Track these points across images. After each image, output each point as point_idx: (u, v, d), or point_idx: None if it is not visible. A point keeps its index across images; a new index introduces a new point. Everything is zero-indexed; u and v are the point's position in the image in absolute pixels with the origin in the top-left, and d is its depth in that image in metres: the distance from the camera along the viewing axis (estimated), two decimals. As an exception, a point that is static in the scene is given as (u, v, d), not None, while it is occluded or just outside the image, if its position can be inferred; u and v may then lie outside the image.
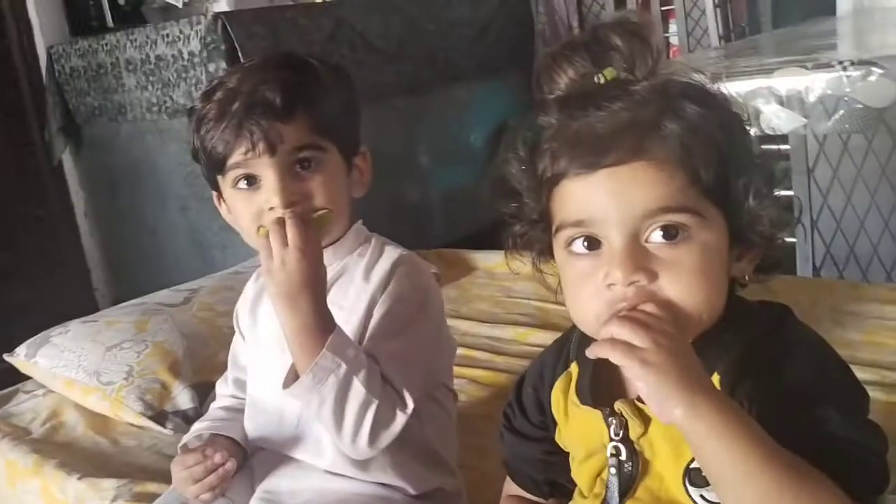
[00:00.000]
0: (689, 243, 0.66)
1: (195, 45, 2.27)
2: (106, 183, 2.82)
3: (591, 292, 0.68)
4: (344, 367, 0.90)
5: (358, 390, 0.90)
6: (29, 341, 1.68)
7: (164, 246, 2.67)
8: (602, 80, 0.70)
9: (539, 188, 0.72)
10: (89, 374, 1.54)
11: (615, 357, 0.62)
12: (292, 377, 0.92)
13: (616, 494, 0.73)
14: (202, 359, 1.55)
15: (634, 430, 0.71)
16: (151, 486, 1.23)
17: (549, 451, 0.83)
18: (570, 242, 0.69)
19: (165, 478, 1.12)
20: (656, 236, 0.66)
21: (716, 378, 0.68)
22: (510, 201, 0.76)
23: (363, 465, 0.97)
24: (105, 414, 1.52)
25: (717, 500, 0.67)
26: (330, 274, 1.01)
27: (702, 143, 0.66)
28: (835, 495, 0.59)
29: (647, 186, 0.65)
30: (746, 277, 0.73)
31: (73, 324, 1.70)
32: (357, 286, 1.01)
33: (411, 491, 1.01)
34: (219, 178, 1.00)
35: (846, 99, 1.85)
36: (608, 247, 0.67)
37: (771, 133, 1.83)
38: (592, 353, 0.64)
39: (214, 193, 1.05)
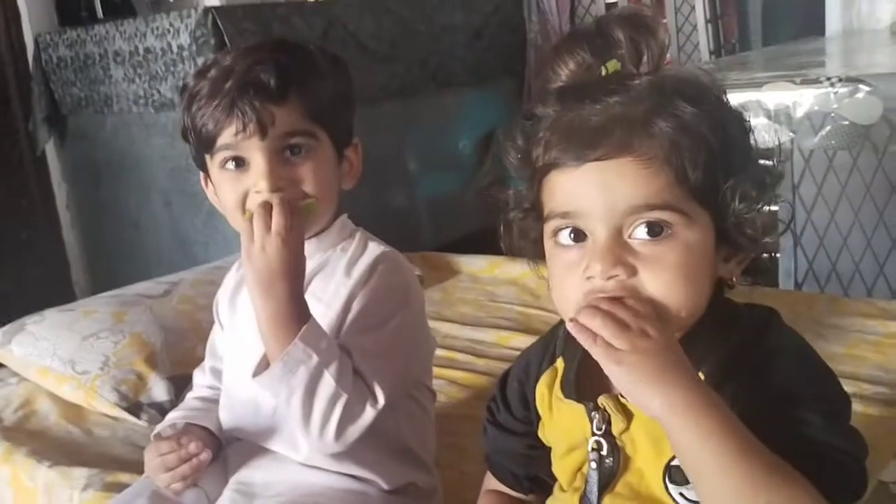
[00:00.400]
0: (672, 241, 0.66)
1: (185, 38, 2.26)
2: (89, 175, 2.79)
3: (573, 283, 0.68)
4: (315, 358, 0.89)
5: (328, 383, 0.89)
6: (3, 329, 1.66)
7: (145, 240, 2.65)
8: (605, 73, 0.70)
9: (532, 177, 0.72)
10: (64, 363, 1.52)
11: (594, 352, 0.64)
12: (263, 366, 0.91)
13: (595, 489, 0.73)
14: (180, 351, 1.53)
15: (617, 425, 0.71)
16: (123, 477, 1.21)
17: (531, 445, 0.83)
18: (556, 233, 0.70)
19: (138, 469, 1.11)
20: (639, 232, 0.66)
21: (700, 376, 0.68)
22: (507, 190, 0.77)
23: (337, 457, 0.96)
24: (79, 403, 1.50)
25: (696, 499, 0.67)
26: (312, 265, 1.00)
27: (691, 142, 0.66)
28: (811, 496, 0.59)
29: (633, 182, 0.65)
30: (734, 279, 0.73)
31: (49, 312, 1.67)
32: (337, 280, 1.00)
33: (384, 486, 1.00)
34: (207, 157, 0.99)
35: (833, 115, 1.86)
36: (592, 239, 0.67)
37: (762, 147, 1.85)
38: (574, 329, 0.64)
39: (202, 174, 1.04)
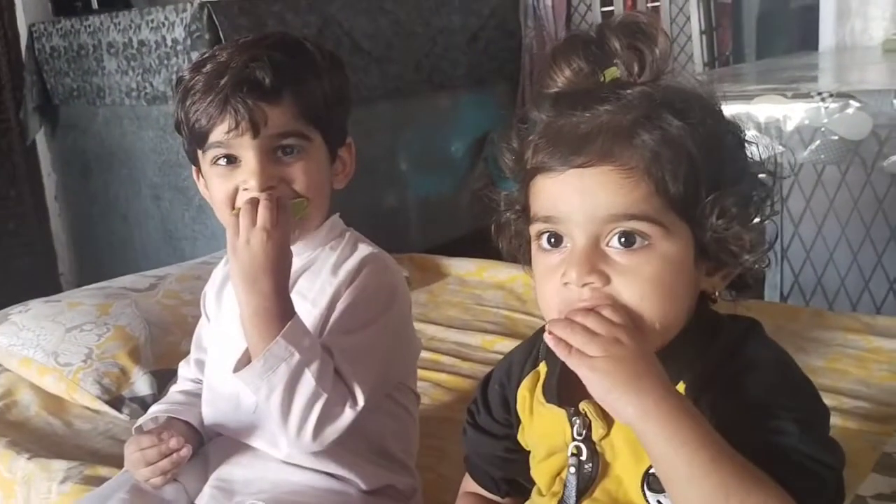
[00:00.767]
0: (648, 252, 0.66)
1: (179, 32, 2.26)
2: (79, 166, 2.78)
3: (553, 287, 0.69)
4: (297, 356, 0.88)
5: (308, 382, 0.89)
6: (-13, 318, 1.65)
7: (133, 234, 2.64)
8: (604, 80, 0.70)
9: (523, 179, 0.73)
10: (47, 354, 1.51)
11: (569, 361, 0.64)
12: (245, 361, 0.90)
13: (573, 493, 0.73)
14: (164, 346, 1.53)
15: (597, 431, 0.72)
16: (102, 470, 1.21)
17: (510, 449, 0.83)
18: (539, 236, 0.71)
19: (117, 462, 1.10)
20: (616, 241, 0.67)
21: (681, 387, 0.68)
22: (499, 192, 0.77)
23: (317, 456, 0.96)
24: (61, 395, 1.50)
25: (673, 507, 0.67)
26: (300, 263, 1.00)
27: (674, 155, 0.66)
28: (783, 502, 0.60)
29: (611, 191, 0.66)
30: (717, 293, 0.73)
31: (34, 303, 1.67)
32: (324, 278, 1.00)
33: (363, 486, 1.00)
34: (199, 152, 0.99)
35: (823, 130, 1.88)
36: (571, 245, 0.68)
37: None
38: (549, 340, 0.65)
39: (193, 168, 1.03)
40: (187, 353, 1.19)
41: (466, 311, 1.87)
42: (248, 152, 0.94)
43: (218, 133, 0.94)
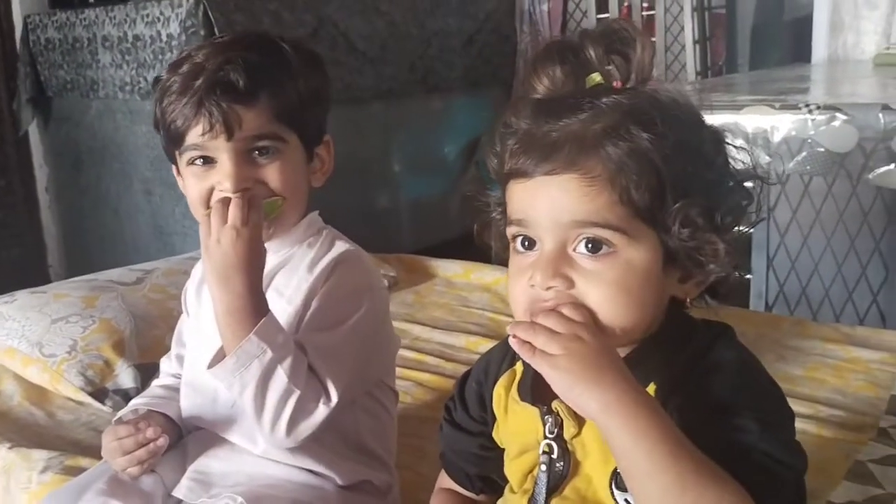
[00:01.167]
0: (612, 258, 0.68)
1: (174, 27, 2.26)
2: (71, 158, 2.78)
3: (521, 288, 0.70)
4: (269, 353, 0.89)
5: (280, 379, 0.89)
6: (-28, 308, 1.65)
7: (124, 227, 2.64)
8: (588, 86, 0.71)
9: (502, 183, 0.74)
10: (31, 345, 1.52)
11: (533, 362, 0.66)
12: (219, 358, 0.91)
13: (543, 491, 0.74)
14: (149, 339, 1.53)
15: (569, 430, 0.73)
16: (83, 461, 1.21)
17: (485, 446, 0.84)
18: (514, 239, 0.73)
19: (98, 454, 1.10)
20: (582, 247, 0.68)
21: (651, 388, 0.70)
22: (489, 195, 0.79)
23: (293, 451, 0.97)
24: (44, 386, 1.50)
25: (640, 506, 0.68)
26: (276, 261, 1.01)
27: (639, 166, 0.67)
28: (739, 497, 0.61)
29: (575, 198, 0.67)
30: (689, 300, 0.74)
31: (20, 293, 1.67)
32: (300, 275, 1.00)
33: (339, 481, 1.00)
34: (176, 153, 0.99)
35: (809, 141, 1.89)
36: (540, 249, 0.70)
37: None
38: (514, 344, 0.67)
39: (173, 166, 1.04)
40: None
41: (452, 312, 1.88)
42: (222, 154, 0.95)
43: (193, 135, 0.95)
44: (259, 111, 0.95)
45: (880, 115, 1.77)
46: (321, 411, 0.92)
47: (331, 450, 0.99)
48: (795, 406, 1.30)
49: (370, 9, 2.70)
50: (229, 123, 0.93)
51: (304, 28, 2.48)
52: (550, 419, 0.73)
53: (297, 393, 0.90)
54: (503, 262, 0.78)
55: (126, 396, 1.43)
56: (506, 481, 0.81)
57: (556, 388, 0.65)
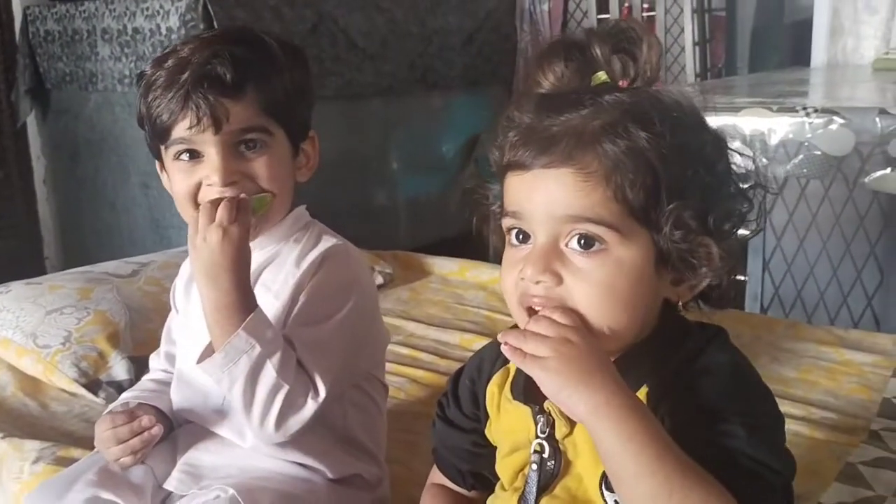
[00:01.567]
0: (603, 256, 0.68)
1: (174, 21, 2.26)
2: (69, 151, 2.77)
3: (512, 280, 0.71)
4: (258, 348, 0.89)
5: (269, 374, 0.90)
6: (-33, 298, 1.65)
7: (120, 220, 2.63)
8: (593, 84, 0.71)
9: (500, 175, 0.75)
10: (26, 336, 1.52)
11: (523, 366, 0.66)
12: (209, 353, 0.91)
13: (534, 490, 0.74)
14: (143, 332, 1.53)
15: (560, 429, 0.73)
16: (75, 452, 1.21)
17: (478, 443, 0.84)
18: (509, 231, 0.73)
19: (91, 445, 1.10)
20: (574, 243, 0.68)
21: (643, 391, 0.70)
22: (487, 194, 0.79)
23: (282, 445, 0.97)
24: (38, 377, 1.50)
25: (630, 507, 0.68)
26: (264, 256, 1.01)
27: (635, 165, 0.67)
28: (724, 500, 0.61)
29: (570, 192, 0.67)
30: (681, 303, 0.74)
31: (15, 284, 1.67)
32: (287, 270, 1.00)
33: (329, 474, 1.00)
34: (161, 147, 0.99)
35: (806, 144, 1.90)
36: (533, 242, 0.70)
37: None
38: (505, 350, 0.67)
39: (157, 162, 1.03)
40: (166, 340, 1.20)
41: (447, 309, 1.88)
42: (210, 148, 0.94)
43: (180, 129, 0.94)
44: (246, 104, 0.95)
45: (877, 119, 1.78)
46: (310, 406, 0.92)
47: (320, 443, 0.99)
48: (788, 408, 1.32)
49: (370, 5, 2.70)
50: (217, 117, 0.93)
51: (304, 24, 2.48)
52: (542, 419, 0.74)
53: (285, 388, 0.90)
54: (499, 261, 0.78)
55: (120, 388, 1.42)
56: (497, 478, 0.82)
57: (545, 390, 0.66)
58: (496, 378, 0.81)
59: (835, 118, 1.83)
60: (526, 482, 0.75)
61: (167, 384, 1.11)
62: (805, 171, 1.92)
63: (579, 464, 0.73)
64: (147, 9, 2.33)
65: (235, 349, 0.89)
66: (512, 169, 0.72)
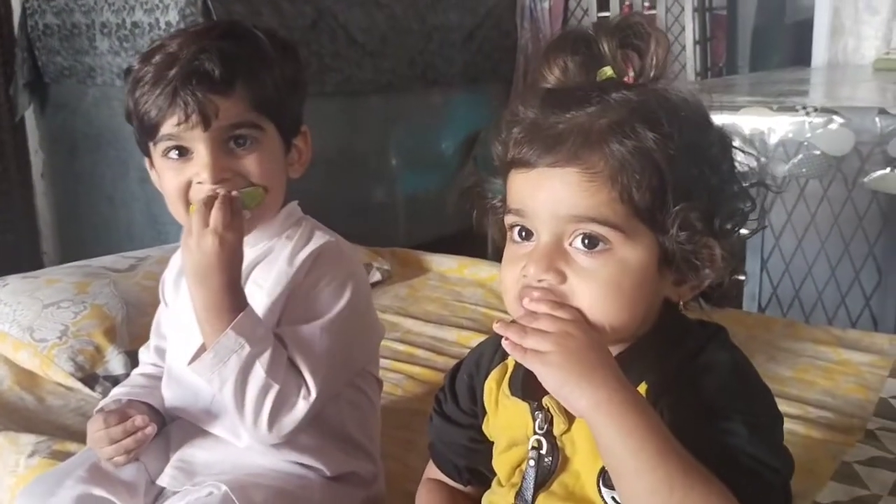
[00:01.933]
0: (607, 256, 0.67)
1: (173, 15, 2.25)
2: (67, 145, 2.77)
3: (513, 276, 0.70)
4: (247, 348, 0.89)
5: (258, 373, 0.89)
6: (-35, 291, 1.64)
7: (119, 215, 2.63)
8: (599, 79, 0.70)
9: (503, 171, 0.74)
10: (23, 329, 1.51)
11: (524, 361, 0.66)
12: (199, 354, 0.91)
13: (531, 486, 0.74)
14: (140, 326, 1.52)
15: (559, 426, 0.73)
16: (71, 446, 1.21)
17: (475, 438, 0.84)
18: (511, 228, 0.72)
19: (87, 439, 1.10)
20: (578, 242, 0.68)
21: (643, 388, 0.70)
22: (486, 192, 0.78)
23: (278, 445, 0.96)
24: (34, 371, 1.49)
25: (627, 504, 0.68)
26: (255, 253, 1.00)
27: (641, 165, 0.66)
28: (727, 500, 0.61)
29: (575, 192, 0.67)
30: (682, 303, 0.74)
31: (12, 278, 1.66)
32: (279, 268, 0.99)
33: (326, 472, 1.00)
34: (150, 144, 0.98)
35: (806, 144, 1.89)
36: (536, 240, 0.69)
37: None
38: (506, 346, 0.67)
39: (147, 159, 1.02)
40: (161, 334, 1.19)
41: (445, 306, 1.88)
42: (199, 144, 0.93)
43: (168, 125, 0.93)
44: (236, 100, 0.94)
45: (877, 118, 1.77)
46: (301, 406, 0.91)
47: (315, 442, 0.99)
48: (785, 407, 1.32)
49: (370, 1, 2.69)
50: (205, 114, 0.92)
51: (304, 19, 2.47)
52: (541, 415, 0.74)
53: (275, 387, 0.90)
54: (498, 258, 0.78)
55: (116, 382, 1.41)
56: (494, 474, 0.82)
57: (547, 384, 0.65)
58: (494, 373, 0.81)
59: (834, 118, 1.83)
60: (523, 478, 0.75)
61: (157, 378, 1.10)
62: (804, 170, 1.92)
63: (577, 460, 0.73)
64: (146, 3, 2.32)
65: (225, 348, 0.89)
66: (516, 166, 0.71)
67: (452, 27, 3.03)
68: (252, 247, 0.96)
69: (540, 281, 0.68)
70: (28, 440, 1.23)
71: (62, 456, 1.18)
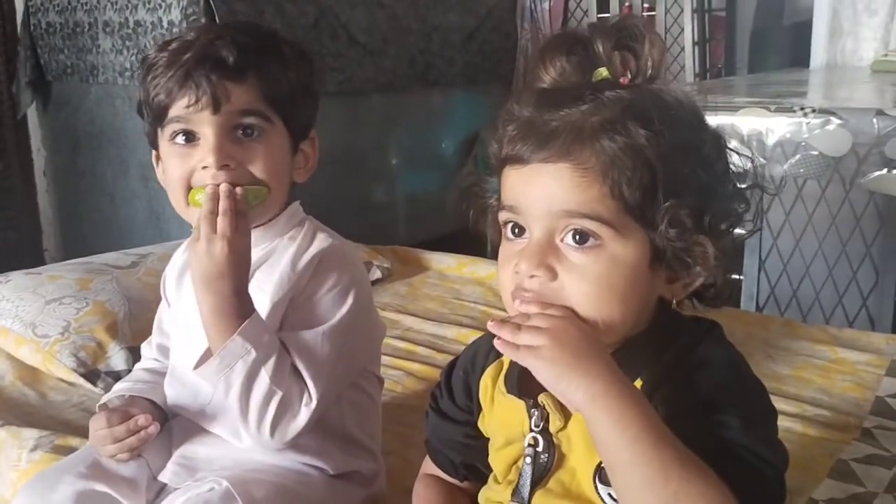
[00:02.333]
0: (598, 252, 0.68)
1: (175, 14, 2.26)
2: (69, 143, 2.78)
3: (508, 274, 0.71)
4: (254, 353, 0.89)
5: (263, 380, 0.89)
6: (-34, 288, 1.65)
7: (120, 213, 2.64)
8: (594, 80, 0.71)
9: (498, 168, 0.75)
10: (25, 325, 1.52)
11: (517, 358, 0.66)
12: (206, 358, 0.91)
13: (528, 483, 0.75)
14: (142, 322, 1.53)
15: (555, 423, 0.73)
16: (73, 441, 1.21)
17: (471, 435, 0.85)
18: (504, 225, 0.73)
19: (88, 434, 1.11)
20: (570, 238, 0.68)
21: (638, 383, 0.70)
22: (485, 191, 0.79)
23: (281, 449, 0.96)
24: (36, 367, 1.50)
25: (624, 499, 0.69)
26: (257, 255, 0.99)
27: (633, 162, 0.67)
28: (720, 492, 0.61)
29: (566, 188, 0.68)
30: (674, 301, 0.74)
31: (14, 274, 1.67)
32: (282, 272, 0.99)
33: (329, 471, 1.00)
34: (158, 131, 0.98)
35: (804, 144, 1.91)
36: (529, 237, 0.70)
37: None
38: (498, 345, 0.67)
39: (153, 152, 1.02)
40: (164, 331, 1.20)
41: (444, 304, 1.88)
42: (207, 128, 0.93)
43: (177, 108, 0.94)
44: (248, 88, 0.94)
45: (874, 120, 1.79)
46: (304, 413, 0.92)
47: (317, 442, 0.99)
48: (782, 405, 1.33)
49: (371, 2, 2.70)
50: (216, 96, 0.92)
51: (306, 19, 2.48)
52: (536, 412, 0.74)
53: (279, 394, 0.90)
54: (497, 257, 0.78)
55: (118, 378, 1.41)
56: (490, 470, 0.82)
57: (541, 379, 0.65)
58: (490, 370, 0.82)
59: (832, 119, 1.84)
60: (520, 475, 0.76)
61: (160, 374, 1.10)
62: (802, 171, 1.93)
63: (573, 457, 0.73)
64: (149, 1, 2.33)
65: (231, 354, 0.89)
66: (510, 162, 0.72)
67: (453, 27, 3.04)
68: (254, 248, 0.96)
69: (532, 277, 0.68)
70: (30, 435, 1.24)
71: (64, 450, 1.18)
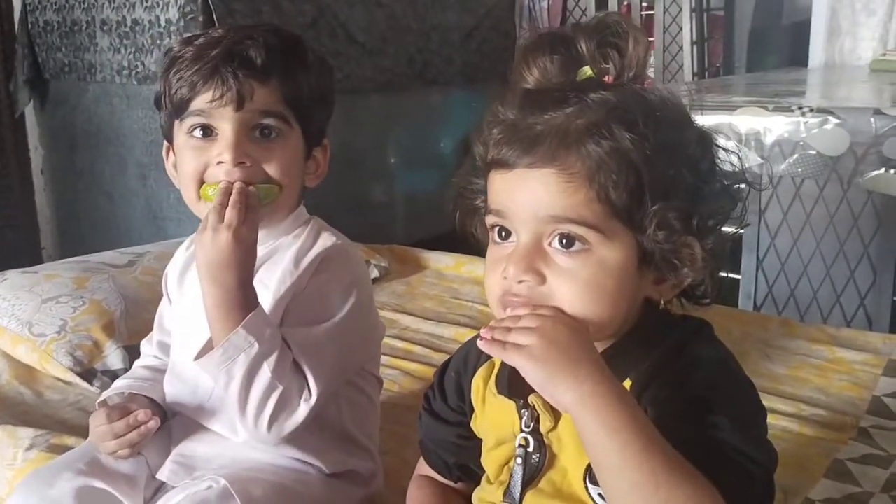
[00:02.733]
0: (585, 256, 0.68)
1: (173, 12, 2.26)
2: (66, 141, 2.77)
3: (496, 279, 0.71)
4: (256, 347, 0.89)
5: (265, 374, 0.90)
6: (-37, 286, 1.65)
7: (118, 211, 2.64)
8: (578, 79, 0.70)
9: (484, 172, 0.74)
10: (21, 324, 1.52)
11: (506, 358, 0.66)
12: (208, 349, 0.91)
13: (519, 483, 0.75)
14: (139, 321, 1.53)
15: (545, 423, 0.73)
16: (69, 440, 1.21)
17: (463, 435, 0.85)
18: (491, 228, 0.73)
19: (85, 433, 1.10)
20: (556, 242, 0.68)
21: (627, 384, 0.70)
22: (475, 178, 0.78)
23: (278, 444, 0.97)
24: (33, 366, 1.50)
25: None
26: (261, 252, 1.00)
27: (619, 166, 0.66)
28: (710, 495, 0.61)
29: (553, 193, 0.67)
30: (663, 302, 0.74)
31: (11, 273, 1.67)
32: (285, 269, 0.99)
33: (326, 470, 1.00)
34: (176, 123, 0.98)
35: (802, 144, 1.91)
36: (516, 241, 0.70)
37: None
38: (483, 345, 0.67)
39: (165, 144, 1.03)
40: (162, 330, 1.20)
41: (442, 303, 1.88)
42: (226, 124, 0.94)
43: (200, 101, 0.94)
44: (271, 89, 0.95)
45: (872, 119, 1.79)
46: (302, 409, 0.92)
47: (315, 441, 0.99)
48: (778, 404, 1.33)
49: (370, 0, 2.70)
50: (241, 93, 0.93)
51: (304, 18, 2.48)
52: (527, 413, 0.74)
53: (279, 389, 0.90)
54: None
55: (114, 377, 1.42)
56: (483, 470, 0.82)
57: (530, 379, 0.65)
58: (481, 371, 0.82)
59: (830, 118, 1.84)
60: (511, 476, 0.76)
61: (160, 371, 1.10)
62: (800, 170, 1.93)
63: (564, 457, 0.73)
64: (146, 0, 2.33)
65: (234, 346, 0.89)
66: (496, 167, 0.71)
67: (451, 27, 3.04)
68: (259, 245, 0.97)
69: (520, 282, 0.68)
70: (26, 434, 1.23)
71: (60, 450, 1.18)
